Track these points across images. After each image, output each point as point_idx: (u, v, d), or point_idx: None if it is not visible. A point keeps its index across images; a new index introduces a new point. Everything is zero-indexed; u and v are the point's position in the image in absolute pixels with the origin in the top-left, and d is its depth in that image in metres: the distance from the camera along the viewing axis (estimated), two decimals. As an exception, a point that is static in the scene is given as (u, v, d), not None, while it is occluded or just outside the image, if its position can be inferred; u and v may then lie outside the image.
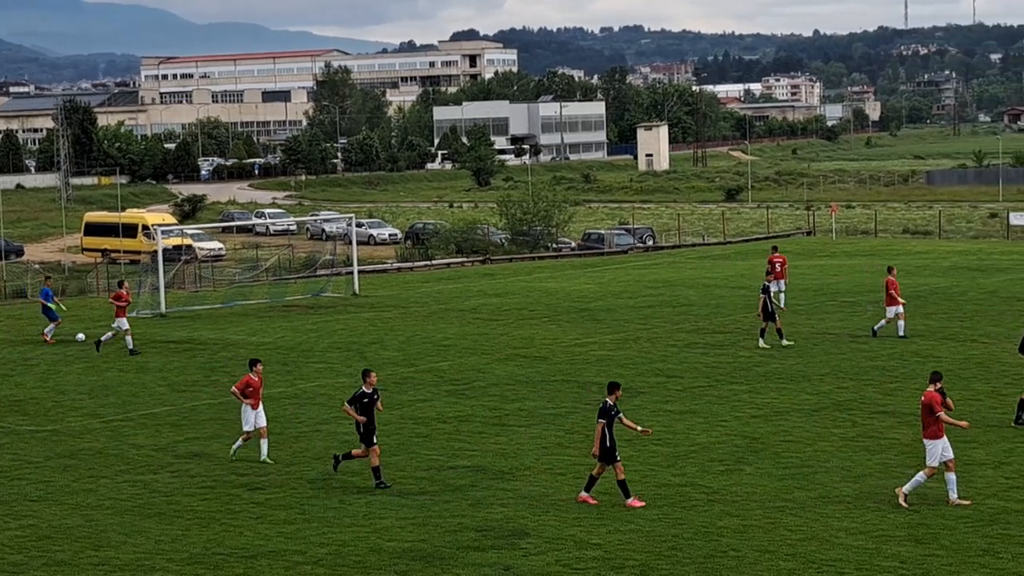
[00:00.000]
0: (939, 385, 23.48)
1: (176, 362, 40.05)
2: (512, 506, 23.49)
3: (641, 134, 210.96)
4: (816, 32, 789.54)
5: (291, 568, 20.36)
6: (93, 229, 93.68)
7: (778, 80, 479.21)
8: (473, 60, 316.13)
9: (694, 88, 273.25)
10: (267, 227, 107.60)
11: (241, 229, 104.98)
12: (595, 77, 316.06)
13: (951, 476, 23.12)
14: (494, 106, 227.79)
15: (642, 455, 26.91)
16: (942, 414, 23.15)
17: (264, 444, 27.07)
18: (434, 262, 74.90)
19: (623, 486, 23.38)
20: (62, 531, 22.59)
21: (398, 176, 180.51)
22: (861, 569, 19.76)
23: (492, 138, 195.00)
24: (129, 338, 42.02)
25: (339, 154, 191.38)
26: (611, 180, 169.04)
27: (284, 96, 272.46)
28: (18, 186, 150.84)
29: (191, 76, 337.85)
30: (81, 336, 44.41)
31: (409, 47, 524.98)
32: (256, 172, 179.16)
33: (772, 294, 44.65)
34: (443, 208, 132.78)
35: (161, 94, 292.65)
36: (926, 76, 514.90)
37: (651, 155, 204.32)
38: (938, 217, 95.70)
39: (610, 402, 23.54)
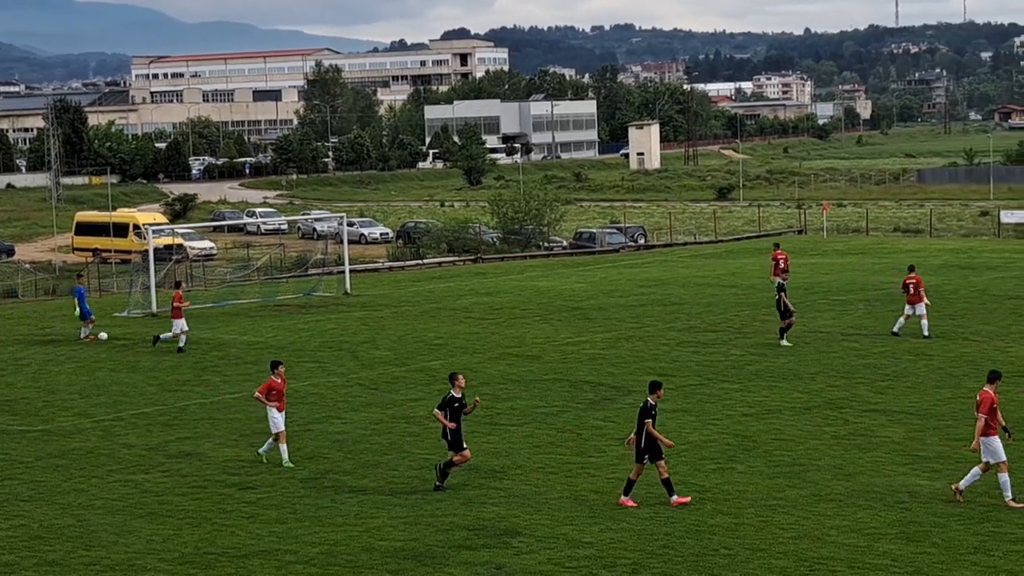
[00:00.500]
0: (996, 385, 23.33)
1: (167, 362, 40.00)
2: (504, 505, 23.48)
3: (632, 133, 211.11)
4: (807, 31, 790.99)
5: (283, 567, 20.33)
6: (84, 229, 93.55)
7: (769, 79, 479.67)
8: (464, 59, 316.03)
9: (685, 87, 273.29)
10: (258, 226, 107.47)
11: (232, 228, 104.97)
12: (586, 76, 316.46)
13: (977, 471, 23.08)
14: (485, 105, 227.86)
15: (633, 454, 26.88)
16: (985, 416, 22.92)
17: (283, 448, 26.76)
18: (425, 261, 74.87)
19: (667, 484, 23.15)
20: (53, 531, 22.54)
21: (389, 175, 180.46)
22: (853, 567, 19.77)
23: (483, 137, 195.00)
24: (184, 338, 41.92)
25: (330, 153, 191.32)
26: (602, 179, 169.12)
27: (275, 95, 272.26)
28: (8, 186, 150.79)
29: (182, 75, 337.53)
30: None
31: (400, 46, 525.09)
32: (247, 171, 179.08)
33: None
34: (434, 207, 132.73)
35: (152, 93, 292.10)
36: (917, 74, 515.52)
37: (642, 154, 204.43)
38: (929, 215, 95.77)
39: (651, 401, 23.33)
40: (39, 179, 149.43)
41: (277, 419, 26.70)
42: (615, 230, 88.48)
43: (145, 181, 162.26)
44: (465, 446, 24.61)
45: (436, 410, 24.79)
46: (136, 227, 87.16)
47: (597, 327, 44.89)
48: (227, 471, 26.41)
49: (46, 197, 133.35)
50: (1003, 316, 44.84)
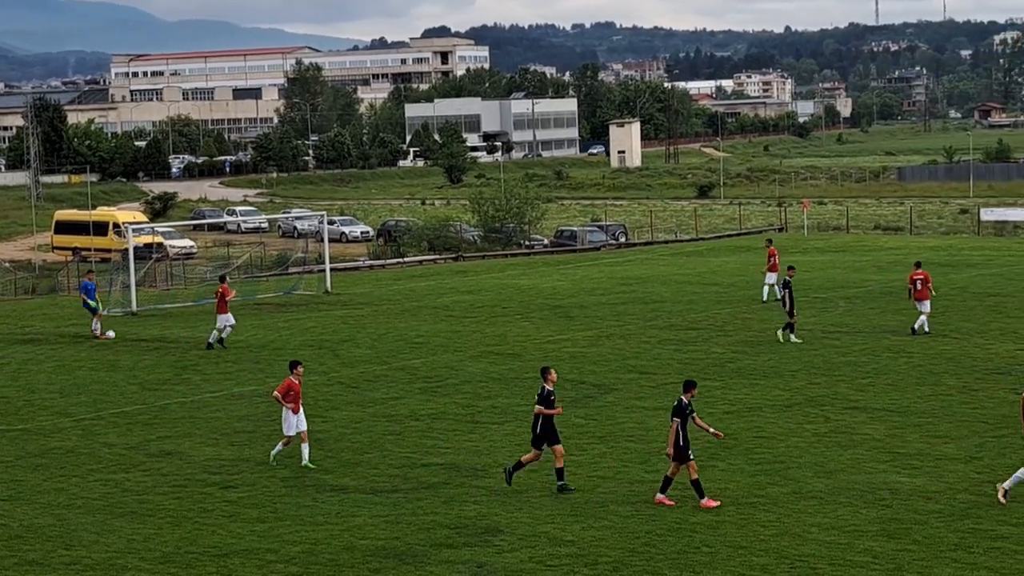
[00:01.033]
0: None
1: (147, 360, 39.89)
2: (485, 503, 23.47)
3: (613, 131, 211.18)
4: (787, 28, 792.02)
5: (264, 566, 20.29)
6: (64, 227, 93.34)
7: (750, 77, 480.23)
8: (445, 57, 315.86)
9: (666, 85, 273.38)
10: (238, 225, 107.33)
11: (212, 227, 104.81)
12: (567, 74, 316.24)
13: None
14: (466, 103, 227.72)
15: (615, 451, 26.95)
16: None
17: (305, 448, 26.36)
18: (406, 259, 74.82)
19: (696, 486, 22.95)
20: (33, 531, 22.46)
21: (370, 173, 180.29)
22: (834, 564, 19.80)
23: (464, 135, 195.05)
24: (228, 328, 41.72)
25: (310, 151, 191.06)
26: (583, 177, 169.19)
27: (255, 93, 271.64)
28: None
29: (162, 73, 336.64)
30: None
31: (380, 44, 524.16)
32: (227, 170, 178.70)
33: (771, 286, 45.16)
34: (415, 205, 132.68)
35: (131, 92, 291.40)
36: (897, 72, 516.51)
37: (623, 152, 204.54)
38: (909, 213, 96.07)
39: (685, 400, 23.12)
40: (19, 178, 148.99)
41: (291, 421, 26.25)
42: (596, 228, 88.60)
43: (125, 180, 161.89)
44: (543, 447, 23.99)
45: (538, 406, 24.00)
46: (116, 226, 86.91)
47: (578, 325, 44.91)
48: (208, 470, 26.35)
49: (25, 196, 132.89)
50: (983, 313, 44.98)
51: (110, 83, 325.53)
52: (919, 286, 40.98)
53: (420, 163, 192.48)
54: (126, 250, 56.49)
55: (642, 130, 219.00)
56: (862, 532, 21.34)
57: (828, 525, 21.73)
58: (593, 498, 23.52)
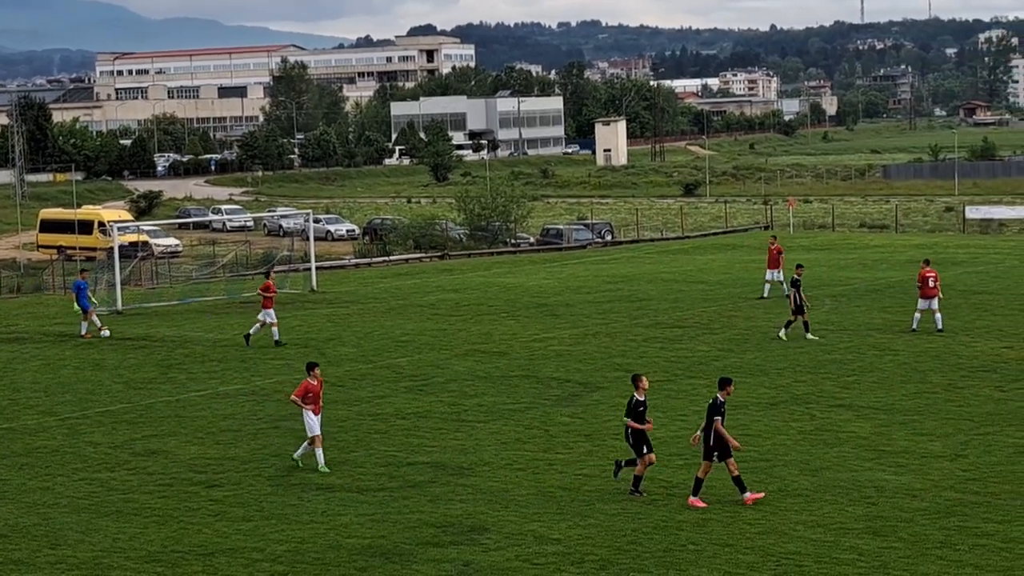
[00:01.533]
0: None
1: (132, 359, 39.81)
2: (471, 502, 23.45)
3: (599, 129, 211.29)
4: (773, 27, 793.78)
5: (250, 565, 20.26)
6: (49, 226, 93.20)
7: (735, 75, 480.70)
8: (430, 55, 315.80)
9: (652, 83, 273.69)
10: (224, 223, 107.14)
11: (198, 225, 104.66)
12: (553, 72, 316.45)
13: None
14: (451, 101, 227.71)
15: (601, 450, 26.93)
16: None
17: (319, 453, 26.12)
18: (392, 258, 74.72)
19: (738, 481, 22.86)
20: (18, 530, 22.40)
21: (355, 172, 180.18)
22: (820, 562, 19.82)
23: (450, 133, 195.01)
24: (275, 329, 41.41)
25: (296, 150, 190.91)
26: (569, 175, 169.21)
27: (240, 92, 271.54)
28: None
29: (147, 72, 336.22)
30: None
31: (366, 42, 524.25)
32: (212, 168, 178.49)
33: (773, 284, 45.12)
34: (401, 204, 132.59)
35: (116, 90, 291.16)
36: (882, 71, 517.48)
37: (609, 150, 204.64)
38: (895, 211, 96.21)
39: (721, 398, 23.06)
40: (3, 176, 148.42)
41: (312, 422, 25.95)
42: (582, 226, 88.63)
43: (110, 178, 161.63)
44: (645, 452, 23.71)
45: (627, 418, 23.84)
46: (101, 224, 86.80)
47: (564, 323, 44.89)
48: (193, 469, 26.30)
49: (10, 195, 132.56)
50: (968, 311, 45.04)
51: (95, 81, 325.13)
52: (931, 283, 40.97)
53: (406, 161, 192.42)
54: (111, 249, 56.38)
55: (628, 128, 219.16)
56: (848, 530, 21.36)
57: (814, 523, 21.75)
58: (579, 496, 23.51)
